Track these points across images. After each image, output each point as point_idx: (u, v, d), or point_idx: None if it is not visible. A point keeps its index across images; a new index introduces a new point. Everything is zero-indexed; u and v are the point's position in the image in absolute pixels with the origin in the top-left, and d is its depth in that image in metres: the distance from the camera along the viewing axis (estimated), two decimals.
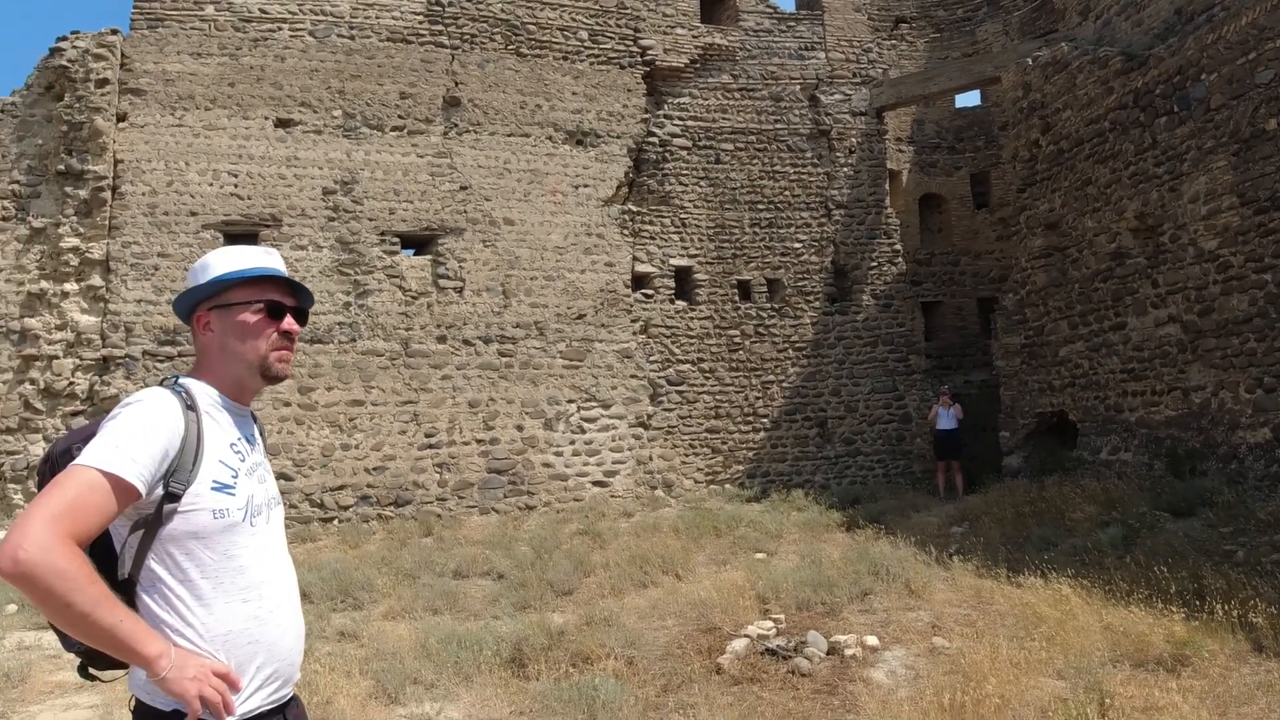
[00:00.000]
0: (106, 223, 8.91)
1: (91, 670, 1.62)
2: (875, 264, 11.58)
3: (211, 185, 9.10)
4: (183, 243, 8.96)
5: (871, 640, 4.71)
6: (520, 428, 9.80)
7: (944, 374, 11.81)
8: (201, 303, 1.64)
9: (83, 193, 8.90)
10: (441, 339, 9.50)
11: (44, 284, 8.80)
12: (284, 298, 1.67)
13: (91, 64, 9.36)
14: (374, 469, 9.23)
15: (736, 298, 10.99)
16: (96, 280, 8.82)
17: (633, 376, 10.27)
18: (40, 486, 1.50)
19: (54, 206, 8.95)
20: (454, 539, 8.38)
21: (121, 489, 1.37)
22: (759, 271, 11.07)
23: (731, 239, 10.94)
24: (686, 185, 10.70)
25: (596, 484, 10.02)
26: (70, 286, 8.79)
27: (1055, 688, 4.02)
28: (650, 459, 10.39)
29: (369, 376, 9.17)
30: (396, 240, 9.51)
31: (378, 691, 4.39)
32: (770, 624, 4.98)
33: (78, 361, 8.75)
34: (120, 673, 1.59)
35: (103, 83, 9.30)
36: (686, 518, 8.92)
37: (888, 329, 11.56)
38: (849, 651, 4.53)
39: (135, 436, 1.41)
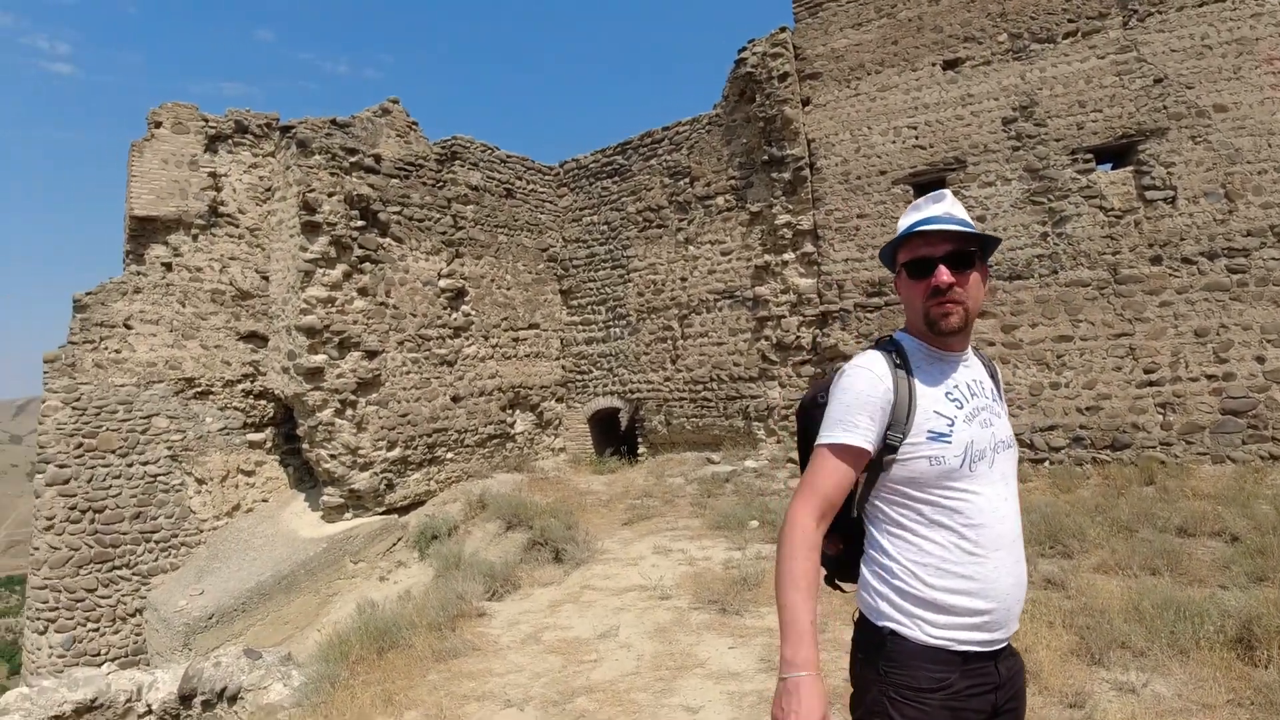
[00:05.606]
0: (809, 196, 11.75)
1: (837, 581, 2.23)
2: None
3: (894, 143, 11.20)
4: (876, 201, 11.26)
5: None
6: (1261, 359, 9.44)
7: None
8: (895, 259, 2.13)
9: (785, 175, 11.88)
10: (1155, 260, 9.83)
11: (766, 257, 12.09)
12: (935, 248, 2.00)
13: (770, 63, 12.38)
14: (1086, 409, 10.03)
15: None
16: (808, 247, 11.73)
17: None
18: (798, 428, 2.22)
19: (765, 191, 12.17)
20: (1179, 490, 8.38)
21: (853, 453, 1.94)
22: None
23: None
24: None
25: None
26: (787, 256, 11.87)
27: None
28: None
29: (1075, 309, 10.04)
30: (1089, 156, 10.19)
31: (1080, 649, 4.71)
32: None
33: (801, 318, 11.78)
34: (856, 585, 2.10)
35: (784, 76, 12.22)
36: None
37: None
38: None
39: (853, 407, 1.94)
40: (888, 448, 1.92)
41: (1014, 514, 1.99)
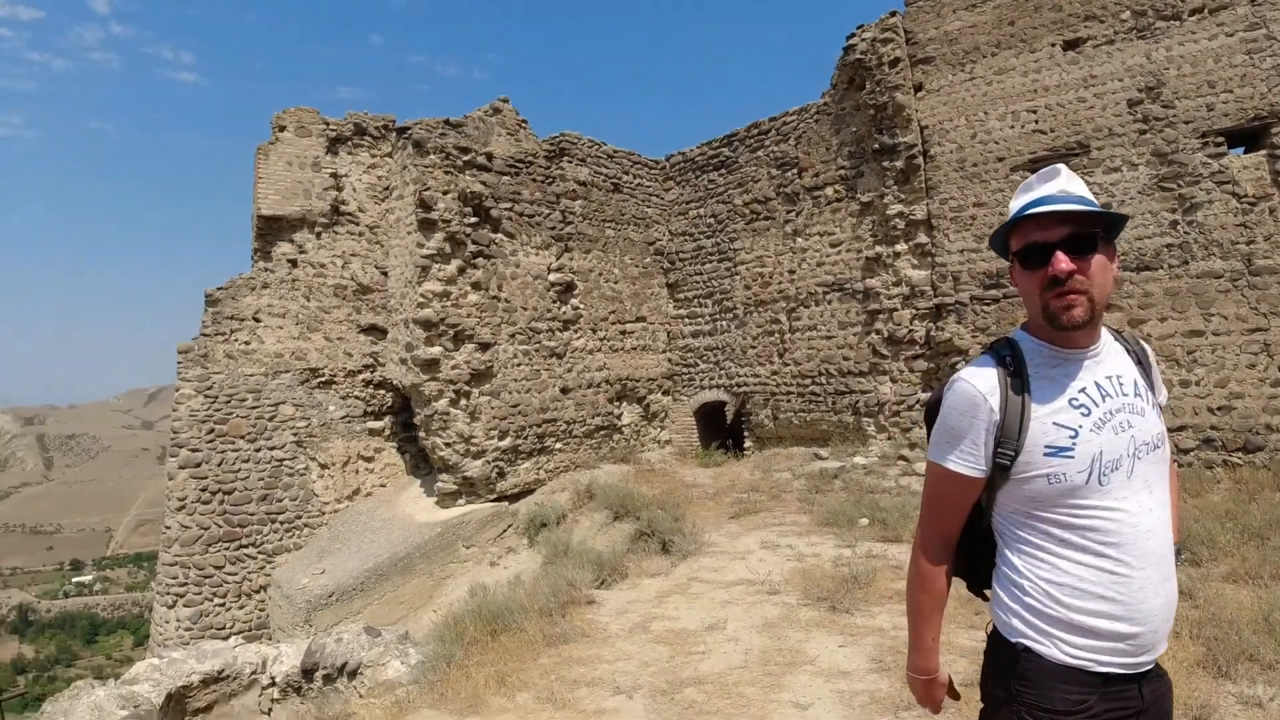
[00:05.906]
0: (923, 185, 11.74)
1: (982, 590, 2.13)
2: None
3: (1012, 128, 11.08)
4: (994, 189, 11.17)
5: None
6: None
7: None
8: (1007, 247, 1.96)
9: (898, 163, 11.89)
10: None
11: (878, 248, 12.14)
12: (1050, 232, 1.80)
13: (880, 49, 12.38)
14: (1217, 408, 9.72)
15: None
16: (921, 238, 11.73)
17: None
18: (926, 427, 2.14)
19: (875, 181, 12.21)
20: None
21: (961, 480, 1.89)
22: None
23: None
24: None
25: None
26: (900, 247, 11.89)
27: None
28: None
29: (1207, 302, 9.75)
30: (1220, 139, 9.87)
31: (1206, 660, 4.60)
32: None
33: (913, 311, 11.79)
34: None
35: (894, 62, 12.21)
36: None
37: None
38: None
39: (954, 431, 1.88)
40: (999, 467, 1.82)
41: (1162, 525, 1.82)
